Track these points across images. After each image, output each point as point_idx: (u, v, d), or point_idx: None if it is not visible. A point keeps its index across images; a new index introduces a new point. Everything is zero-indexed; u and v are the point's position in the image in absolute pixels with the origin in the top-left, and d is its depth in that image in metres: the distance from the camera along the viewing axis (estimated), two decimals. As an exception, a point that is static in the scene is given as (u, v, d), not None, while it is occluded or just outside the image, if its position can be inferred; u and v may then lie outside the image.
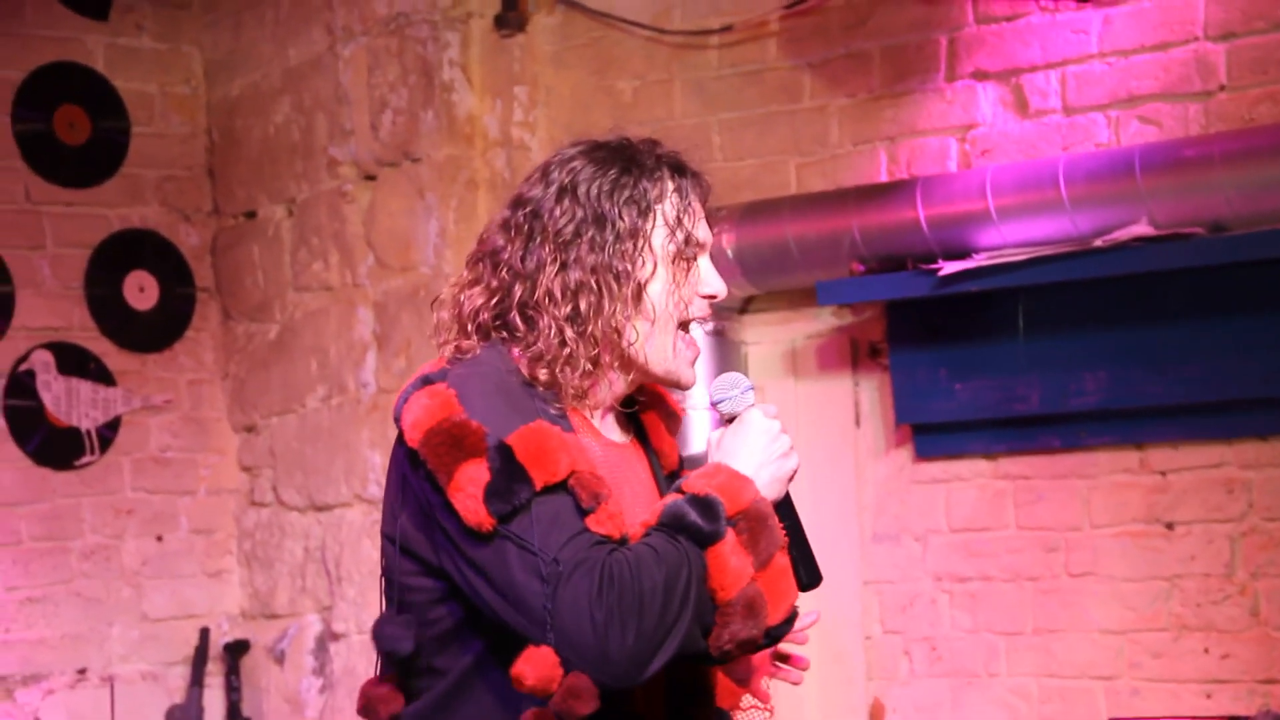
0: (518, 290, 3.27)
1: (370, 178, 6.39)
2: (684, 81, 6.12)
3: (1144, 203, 5.22)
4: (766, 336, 6.02)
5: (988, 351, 5.69)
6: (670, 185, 3.38)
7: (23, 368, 6.27)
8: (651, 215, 3.36)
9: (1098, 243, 5.30)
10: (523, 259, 3.30)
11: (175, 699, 6.32)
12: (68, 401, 6.35)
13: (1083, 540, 5.71)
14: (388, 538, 3.20)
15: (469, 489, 3.06)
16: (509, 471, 3.10)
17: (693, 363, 3.39)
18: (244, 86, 6.61)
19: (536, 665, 3.06)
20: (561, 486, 3.10)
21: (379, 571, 6.20)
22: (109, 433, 6.46)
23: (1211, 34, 5.35)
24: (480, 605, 3.14)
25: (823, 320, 5.87)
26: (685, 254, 3.35)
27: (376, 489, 6.33)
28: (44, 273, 6.38)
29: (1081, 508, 5.70)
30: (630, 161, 3.39)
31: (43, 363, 6.30)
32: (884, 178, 5.81)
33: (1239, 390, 5.32)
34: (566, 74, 6.32)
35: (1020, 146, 5.67)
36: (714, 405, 3.36)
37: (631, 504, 3.36)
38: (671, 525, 3.11)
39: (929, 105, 5.85)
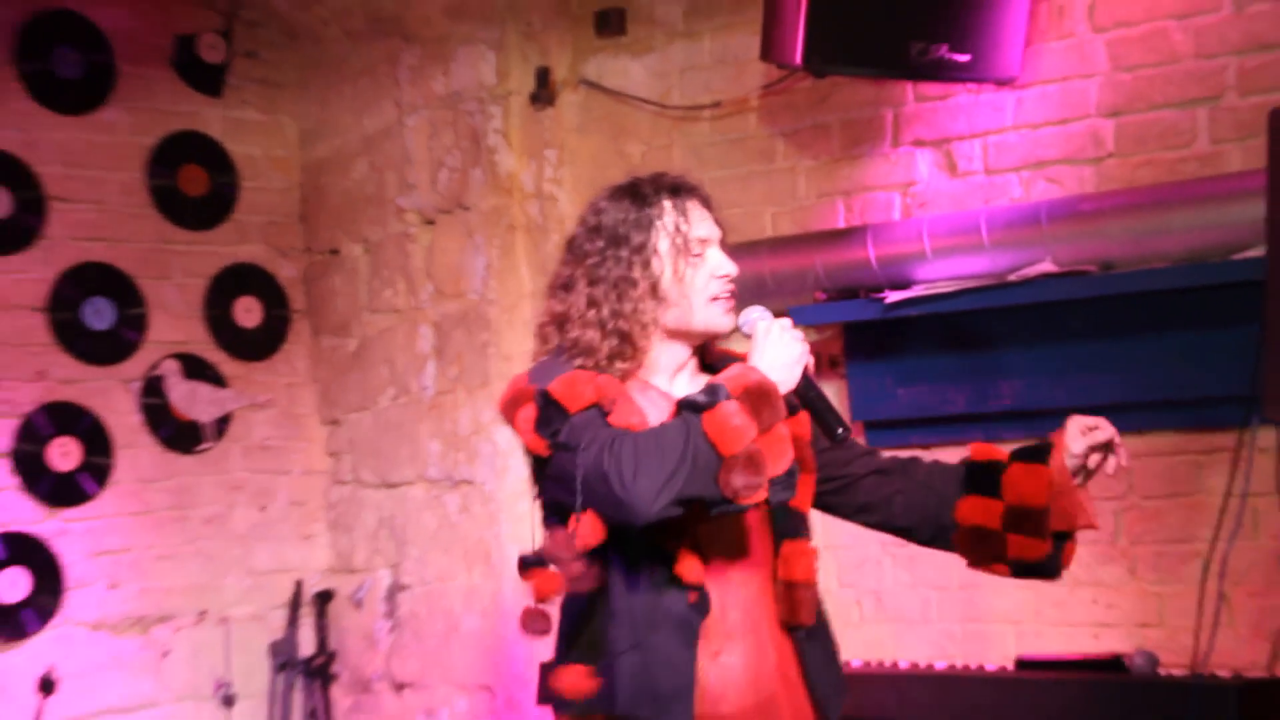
0: (560, 307, 3.57)
1: (430, 222, 6.33)
2: (681, 146, 6.07)
3: (1048, 246, 5.20)
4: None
5: (924, 363, 5.65)
6: (667, 203, 3.56)
7: (155, 373, 6.23)
8: (653, 229, 3.54)
9: (1011, 277, 5.26)
10: (565, 285, 3.60)
11: (276, 636, 6.30)
12: (190, 400, 6.32)
13: None
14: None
15: (525, 425, 3.45)
16: (548, 406, 3.43)
17: (725, 313, 3.54)
18: (329, 149, 6.57)
19: (584, 526, 3.34)
20: (593, 408, 3.40)
21: (437, 536, 6.64)
22: (222, 425, 6.42)
23: (1102, 112, 5.31)
24: (556, 503, 3.46)
25: (801, 334, 5.79)
26: (690, 249, 3.52)
27: (435, 471, 6.42)
28: (171, 298, 6.33)
29: None
30: (634, 194, 3.59)
31: (170, 370, 6.27)
32: (841, 224, 5.76)
33: (1123, 395, 5.23)
34: (587, 140, 6.25)
35: (950, 200, 5.60)
36: (741, 330, 3.54)
37: None
38: (679, 406, 3.32)
39: (877, 166, 5.78)
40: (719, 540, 3.55)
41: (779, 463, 3.32)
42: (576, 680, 3.49)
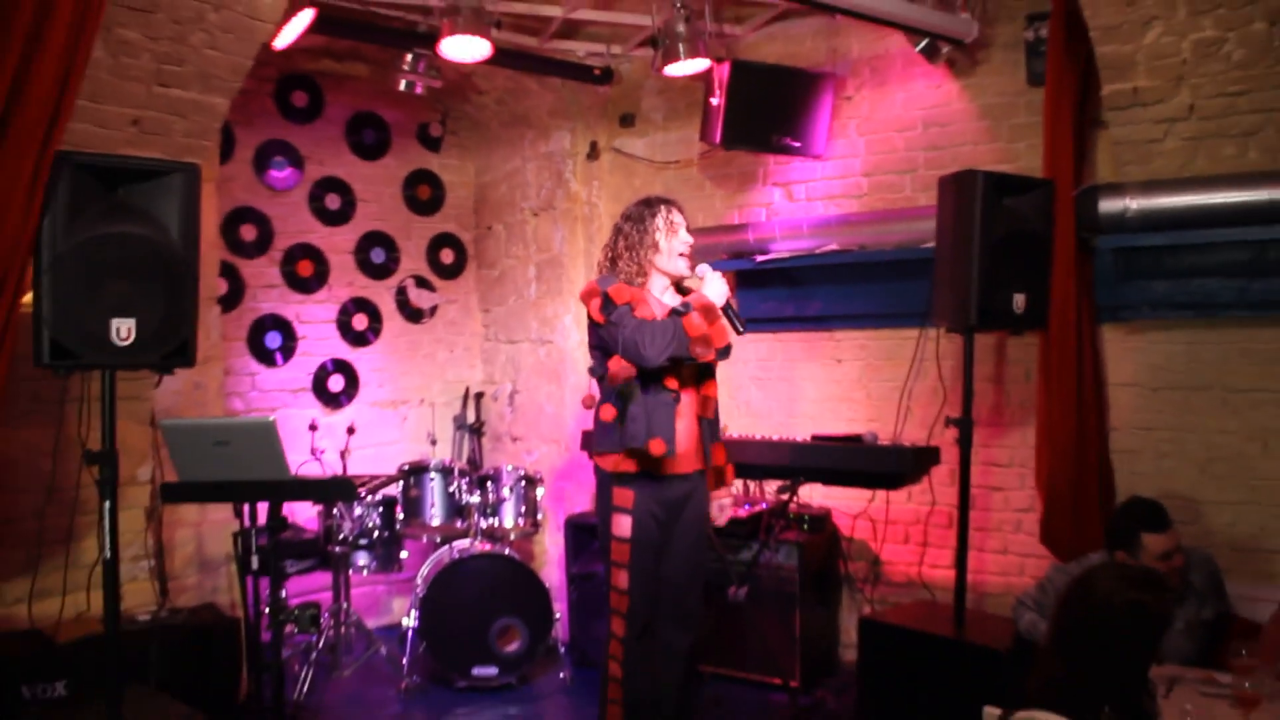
0: (612, 251, 3.98)
1: (535, 215, 6.41)
2: (659, 182, 6.06)
3: (835, 237, 5.32)
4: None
5: (774, 291, 5.66)
6: (662, 208, 3.95)
7: (402, 284, 6.42)
8: (654, 218, 3.94)
9: (817, 251, 5.35)
10: (614, 241, 3.99)
11: (456, 412, 6.40)
12: (418, 298, 6.50)
13: (804, 367, 5.71)
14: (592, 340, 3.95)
15: (595, 307, 3.84)
16: (606, 299, 3.83)
17: (686, 265, 3.93)
18: (488, 178, 6.68)
19: (616, 364, 3.83)
20: (627, 305, 3.79)
21: (534, 367, 6.62)
22: (433, 311, 6.60)
23: (862, 174, 5.43)
24: (603, 349, 3.89)
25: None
26: (672, 230, 3.92)
27: (535, 335, 6.47)
28: (412, 248, 6.52)
29: (804, 353, 5.70)
30: (647, 203, 3.98)
31: (410, 283, 6.44)
32: (736, 222, 5.78)
33: (869, 310, 5.38)
34: (613, 177, 6.25)
35: (789, 212, 5.66)
36: (696, 274, 3.93)
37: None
38: (670, 313, 3.77)
39: (754, 194, 5.83)
40: (684, 375, 3.93)
41: (721, 341, 3.80)
42: (607, 421, 3.88)
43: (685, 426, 3.92)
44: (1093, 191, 4.39)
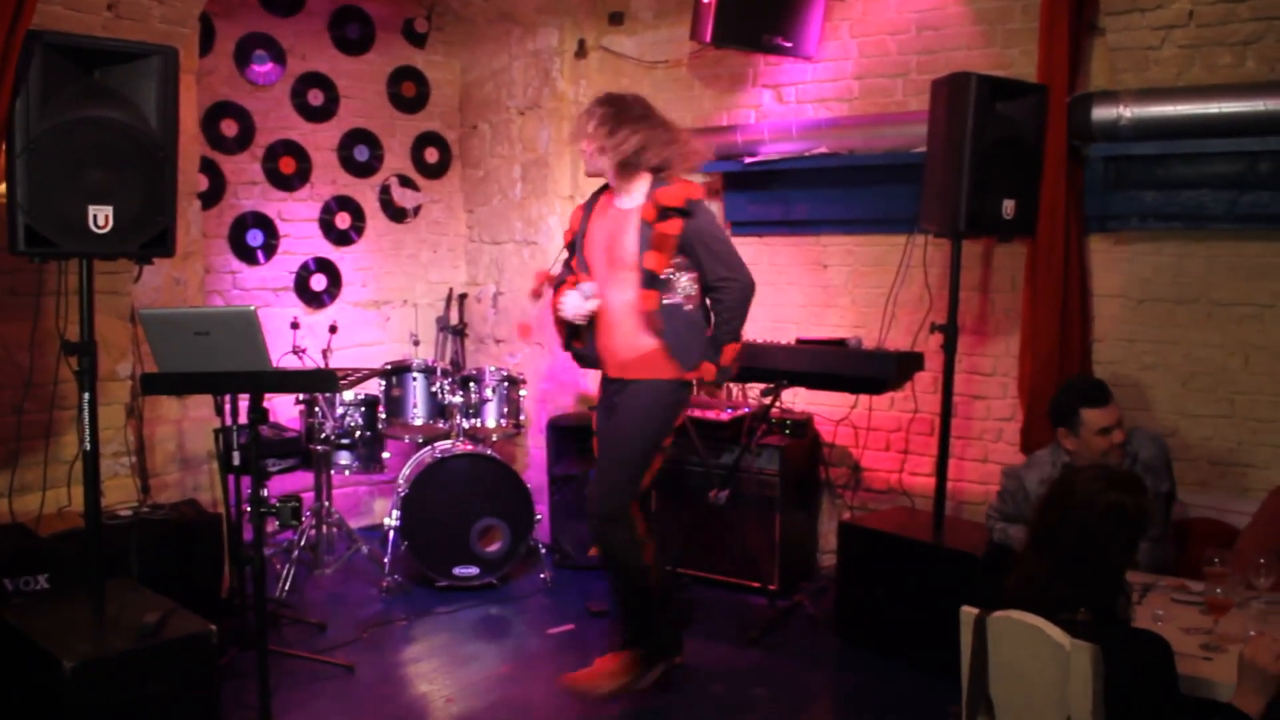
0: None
1: (521, 114, 6.29)
2: (647, 83, 5.96)
3: (824, 140, 5.29)
4: None
5: (762, 194, 5.62)
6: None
7: (385, 182, 6.30)
8: (624, 125, 3.95)
9: (806, 154, 5.34)
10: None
11: (439, 314, 6.38)
12: (402, 197, 6.39)
13: (789, 271, 5.68)
14: None
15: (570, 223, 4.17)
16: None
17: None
18: (474, 76, 6.54)
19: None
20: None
21: (517, 269, 6.51)
22: (416, 210, 6.49)
23: (853, 76, 5.37)
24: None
25: (698, 178, 5.56)
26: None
27: (519, 236, 6.38)
28: (396, 146, 6.40)
29: (790, 258, 5.67)
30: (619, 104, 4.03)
31: (393, 182, 6.32)
32: (725, 124, 5.71)
33: (856, 215, 5.34)
34: (600, 76, 6.14)
35: (778, 115, 5.61)
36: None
37: (600, 229, 4.06)
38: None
39: (744, 96, 5.77)
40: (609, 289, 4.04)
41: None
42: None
43: (623, 337, 4.02)
44: (1087, 98, 4.37)
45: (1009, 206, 4.32)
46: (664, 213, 3.89)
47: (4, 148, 3.19)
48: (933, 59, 5.10)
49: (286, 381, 3.53)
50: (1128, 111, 4.25)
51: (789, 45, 5.33)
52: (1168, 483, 3.90)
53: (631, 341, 3.98)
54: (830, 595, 4.91)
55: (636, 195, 3.98)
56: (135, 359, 4.55)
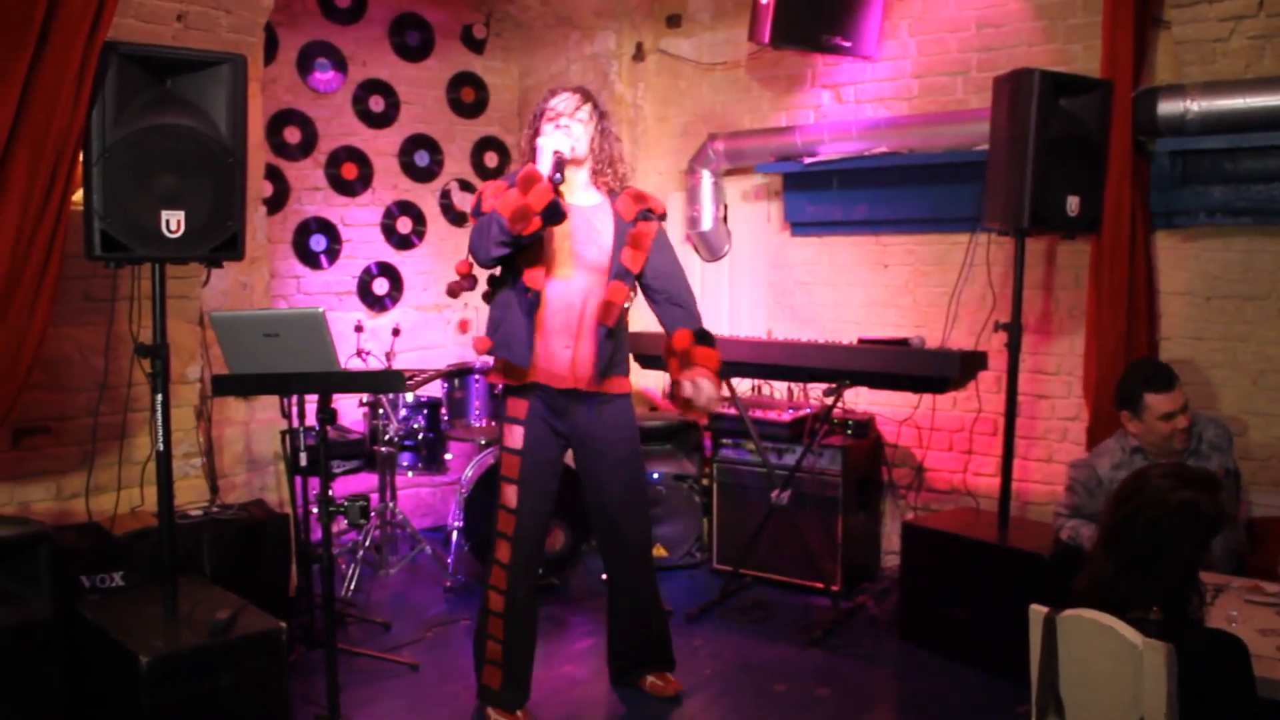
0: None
1: None
2: (706, 83, 6.04)
3: (884, 139, 5.28)
4: (738, 185, 6.02)
5: (822, 194, 5.61)
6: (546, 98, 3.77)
7: (446, 187, 6.34)
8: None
9: (866, 154, 5.32)
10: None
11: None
12: (461, 201, 6.35)
13: (850, 271, 5.65)
14: None
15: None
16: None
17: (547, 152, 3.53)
18: (533, 80, 6.56)
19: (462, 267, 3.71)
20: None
21: None
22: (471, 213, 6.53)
23: (913, 75, 5.35)
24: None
25: (758, 180, 5.94)
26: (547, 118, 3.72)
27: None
28: (456, 151, 6.42)
29: (851, 258, 5.65)
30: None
31: (453, 186, 6.35)
32: (784, 124, 5.73)
33: (917, 214, 5.30)
34: (658, 78, 6.23)
35: (838, 115, 5.59)
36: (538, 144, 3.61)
37: (574, 230, 3.60)
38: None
39: (804, 97, 5.76)
40: (574, 276, 3.64)
41: (540, 202, 3.32)
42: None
43: (582, 340, 3.64)
44: (1152, 93, 4.32)
45: (1074, 203, 4.29)
46: (644, 214, 3.77)
47: (82, 156, 3.26)
48: (993, 56, 5.08)
49: (354, 382, 3.56)
50: (1195, 105, 4.19)
51: (848, 45, 5.32)
52: (1233, 462, 3.86)
53: (590, 349, 3.67)
54: (893, 596, 4.90)
55: (593, 195, 3.76)
56: (204, 362, 4.62)
